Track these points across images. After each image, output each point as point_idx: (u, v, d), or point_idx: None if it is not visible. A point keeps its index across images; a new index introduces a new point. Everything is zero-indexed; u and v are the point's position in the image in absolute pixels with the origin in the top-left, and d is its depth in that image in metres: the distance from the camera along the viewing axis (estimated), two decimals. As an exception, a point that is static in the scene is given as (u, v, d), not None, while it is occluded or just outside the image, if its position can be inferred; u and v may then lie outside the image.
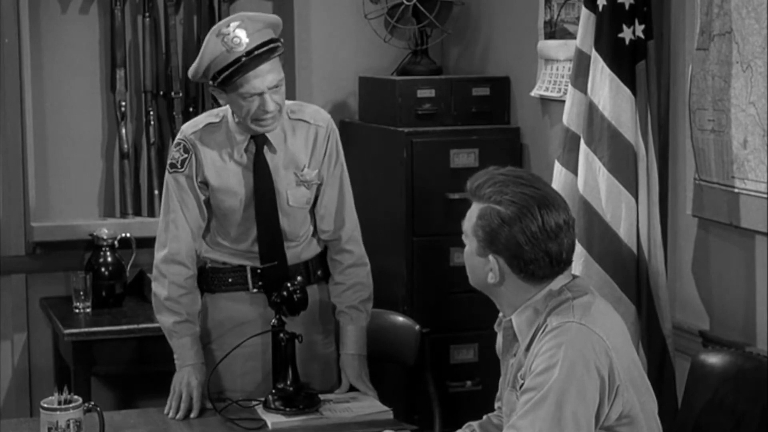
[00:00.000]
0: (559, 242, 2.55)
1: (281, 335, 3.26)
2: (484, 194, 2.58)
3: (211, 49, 3.25)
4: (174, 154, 3.41)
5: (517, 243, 2.53)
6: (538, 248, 2.54)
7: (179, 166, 3.39)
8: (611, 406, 2.49)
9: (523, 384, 2.54)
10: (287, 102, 3.41)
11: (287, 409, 3.21)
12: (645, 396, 2.57)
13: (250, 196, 3.39)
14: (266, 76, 3.24)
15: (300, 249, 3.46)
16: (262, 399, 3.29)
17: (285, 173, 3.41)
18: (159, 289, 3.39)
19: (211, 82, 3.30)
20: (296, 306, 3.27)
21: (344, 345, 3.46)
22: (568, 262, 2.60)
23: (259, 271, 3.41)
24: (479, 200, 2.60)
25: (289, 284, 3.28)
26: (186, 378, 3.32)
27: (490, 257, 2.57)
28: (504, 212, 2.54)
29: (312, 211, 3.49)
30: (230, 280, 3.44)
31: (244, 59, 3.22)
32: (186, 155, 3.39)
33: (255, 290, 3.42)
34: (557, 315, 2.54)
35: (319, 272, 3.51)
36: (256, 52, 3.23)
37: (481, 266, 2.61)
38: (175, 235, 3.39)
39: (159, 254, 3.41)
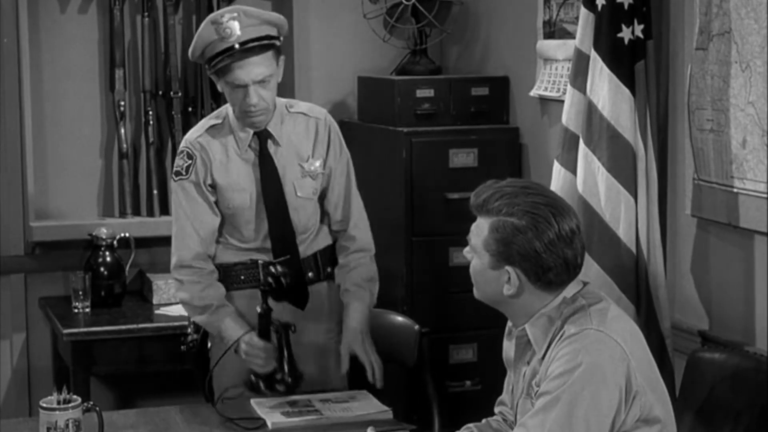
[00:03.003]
0: (573, 248, 2.55)
1: (273, 324, 3.30)
2: (493, 208, 2.56)
3: (204, 34, 3.32)
4: (178, 161, 3.43)
5: (536, 251, 2.52)
6: (556, 255, 2.53)
7: (184, 173, 3.41)
8: (628, 412, 2.49)
9: (538, 391, 2.53)
10: (283, 99, 3.46)
11: (272, 392, 3.26)
12: (661, 397, 2.56)
13: (259, 192, 3.41)
14: (252, 69, 3.28)
15: (310, 241, 3.49)
16: (259, 398, 3.30)
17: (290, 166, 3.43)
18: (181, 293, 3.45)
19: (207, 66, 3.35)
20: (285, 291, 3.30)
21: (347, 319, 3.44)
22: (581, 266, 2.60)
23: (271, 267, 3.40)
24: (488, 214, 2.57)
25: (272, 268, 3.31)
26: (245, 346, 3.33)
27: (507, 268, 2.56)
28: (518, 223, 2.52)
29: (321, 201, 3.51)
30: (242, 277, 3.46)
31: (233, 50, 3.26)
32: (190, 161, 3.41)
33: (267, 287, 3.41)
34: (574, 322, 2.53)
35: (329, 269, 3.52)
36: (246, 45, 3.27)
37: (495, 279, 2.59)
38: (183, 244, 3.42)
39: (171, 262, 3.46)
